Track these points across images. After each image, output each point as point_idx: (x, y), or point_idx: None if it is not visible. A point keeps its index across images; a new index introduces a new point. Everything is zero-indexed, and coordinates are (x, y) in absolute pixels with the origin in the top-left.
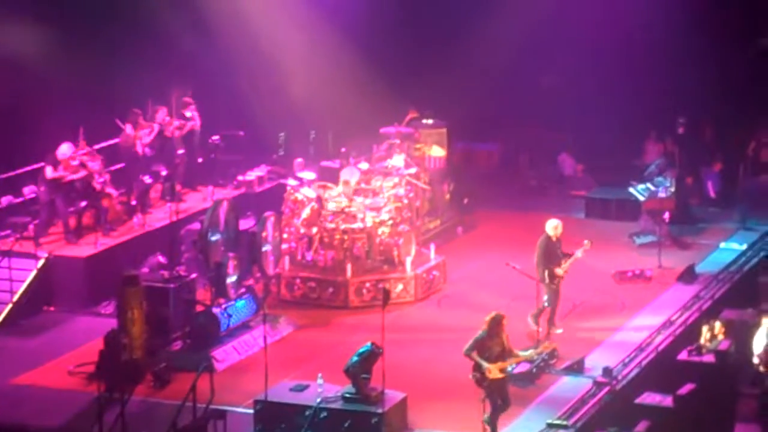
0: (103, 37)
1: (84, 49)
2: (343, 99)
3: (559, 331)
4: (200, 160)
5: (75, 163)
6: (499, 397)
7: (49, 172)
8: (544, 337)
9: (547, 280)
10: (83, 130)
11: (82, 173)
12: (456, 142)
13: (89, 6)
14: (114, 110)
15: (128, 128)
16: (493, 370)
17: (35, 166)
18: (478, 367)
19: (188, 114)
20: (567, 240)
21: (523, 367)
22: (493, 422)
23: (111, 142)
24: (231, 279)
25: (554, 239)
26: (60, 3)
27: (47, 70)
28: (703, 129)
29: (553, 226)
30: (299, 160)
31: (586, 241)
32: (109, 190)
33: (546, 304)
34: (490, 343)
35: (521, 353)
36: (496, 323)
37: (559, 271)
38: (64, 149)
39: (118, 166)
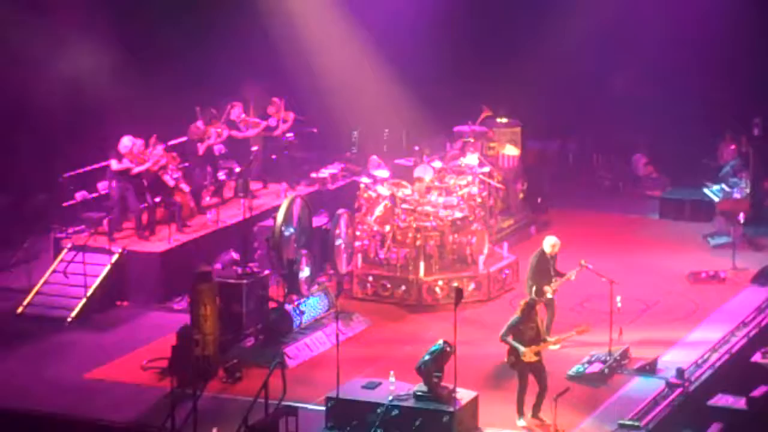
0: (182, 35)
1: (161, 48)
2: (417, 97)
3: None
4: (274, 157)
5: (139, 156)
6: (537, 381)
7: (114, 164)
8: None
9: (534, 296)
10: (156, 133)
11: (148, 164)
12: (530, 141)
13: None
14: (190, 109)
15: (199, 123)
16: (527, 354)
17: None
18: (513, 351)
19: (271, 114)
20: (642, 242)
21: (596, 367)
22: (519, 401)
23: (182, 139)
24: (303, 275)
25: (548, 256)
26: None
27: (125, 67)
28: None
29: (550, 244)
30: (374, 157)
31: (582, 261)
32: (183, 186)
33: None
34: (524, 328)
35: (549, 338)
36: (529, 308)
37: (547, 289)
38: (126, 142)
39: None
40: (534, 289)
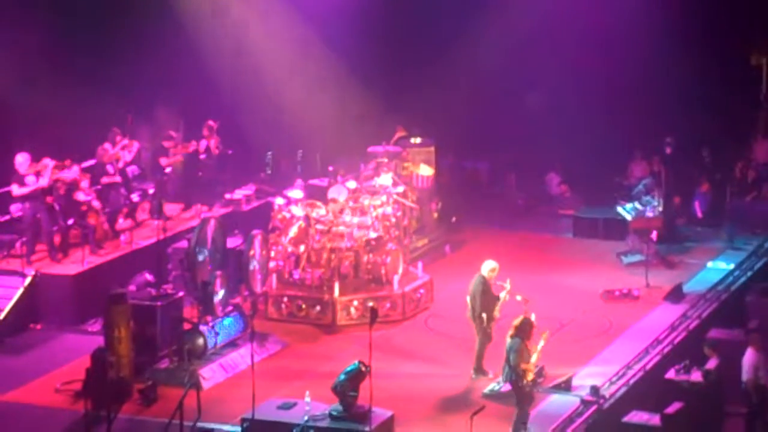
0: (87, 51)
1: (71, 63)
2: (331, 118)
3: (491, 376)
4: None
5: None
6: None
7: (16, 189)
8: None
9: (485, 323)
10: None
11: (44, 178)
12: (444, 161)
13: (68, 21)
14: (101, 128)
15: (107, 146)
16: (530, 371)
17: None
18: (524, 374)
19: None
20: (555, 260)
21: (510, 386)
22: (525, 422)
23: (92, 161)
24: (218, 297)
25: (489, 281)
26: (34, 19)
27: (31, 87)
28: (699, 150)
29: (489, 268)
30: (299, 181)
31: (507, 281)
32: (95, 202)
33: (478, 348)
34: (525, 347)
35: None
36: (528, 326)
37: (496, 314)
38: (20, 159)
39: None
40: (485, 316)
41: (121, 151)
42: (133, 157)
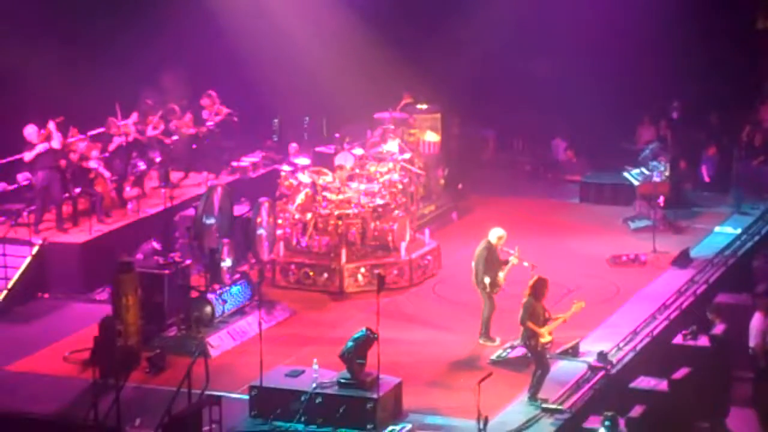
0: (97, 24)
1: (77, 32)
2: (337, 84)
3: (497, 342)
4: (194, 146)
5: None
6: (543, 362)
7: (27, 156)
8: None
9: (488, 289)
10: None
11: (54, 140)
12: (450, 128)
13: None
14: (109, 97)
15: (134, 116)
16: (545, 334)
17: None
18: (533, 334)
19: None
20: (562, 226)
21: (518, 352)
22: (540, 385)
23: (100, 130)
24: (225, 265)
25: (496, 247)
26: None
27: (45, 54)
28: (707, 114)
29: (497, 236)
30: (294, 145)
31: (516, 249)
32: (103, 170)
33: (485, 314)
34: (538, 308)
35: (559, 315)
36: (542, 286)
37: (500, 280)
38: (29, 130)
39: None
40: (489, 281)
41: (132, 125)
42: (160, 133)
